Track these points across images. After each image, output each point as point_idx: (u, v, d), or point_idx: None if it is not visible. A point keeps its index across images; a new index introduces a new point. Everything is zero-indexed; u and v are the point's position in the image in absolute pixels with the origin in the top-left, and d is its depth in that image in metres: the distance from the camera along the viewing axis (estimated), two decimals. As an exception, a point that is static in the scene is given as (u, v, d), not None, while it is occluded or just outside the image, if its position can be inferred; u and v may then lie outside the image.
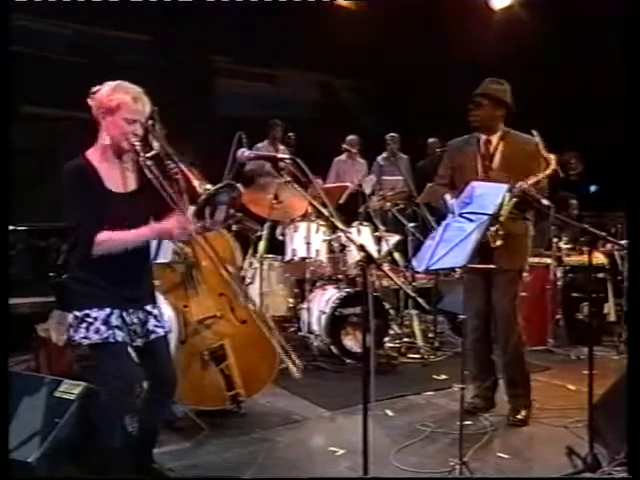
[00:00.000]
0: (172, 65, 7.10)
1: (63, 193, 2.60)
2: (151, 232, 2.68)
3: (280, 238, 5.33)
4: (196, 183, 2.52)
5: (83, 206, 2.58)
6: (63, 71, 6.37)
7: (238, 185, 2.67)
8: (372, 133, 7.59)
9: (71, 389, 2.91)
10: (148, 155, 2.59)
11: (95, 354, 2.69)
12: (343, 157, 7.26)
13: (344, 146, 6.74)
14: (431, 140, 7.71)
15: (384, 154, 7.56)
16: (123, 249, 2.59)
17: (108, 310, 2.63)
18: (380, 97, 8.77)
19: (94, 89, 2.66)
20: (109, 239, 2.57)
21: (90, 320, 2.61)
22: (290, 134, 6.03)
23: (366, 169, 7.28)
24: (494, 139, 3.74)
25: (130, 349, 2.75)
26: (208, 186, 2.53)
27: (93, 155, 2.67)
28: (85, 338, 2.63)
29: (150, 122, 2.67)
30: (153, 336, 2.78)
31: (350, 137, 7.07)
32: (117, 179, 2.68)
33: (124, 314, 2.69)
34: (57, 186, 2.64)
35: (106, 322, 2.62)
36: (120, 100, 2.59)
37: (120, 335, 2.65)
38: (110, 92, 2.61)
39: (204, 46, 7.55)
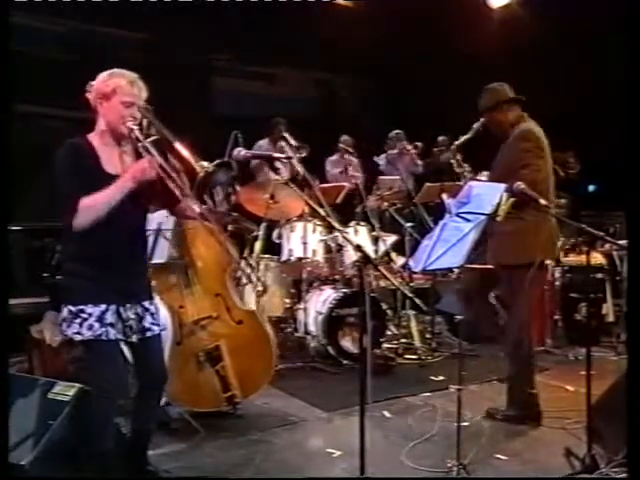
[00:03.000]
0: (170, 64, 7.07)
1: (57, 169, 2.56)
2: (127, 179, 2.56)
3: (277, 241, 5.30)
4: (192, 161, 2.51)
5: (77, 182, 2.54)
6: (58, 69, 6.35)
7: (234, 164, 2.64)
8: (371, 132, 7.57)
9: (65, 391, 2.89)
10: (148, 140, 2.58)
11: (86, 351, 2.67)
12: (335, 157, 7.20)
13: (341, 145, 6.70)
14: (441, 138, 7.52)
15: (390, 152, 7.46)
16: (108, 210, 2.52)
17: (103, 307, 2.61)
18: (379, 96, 8.76)
19: (92, 83, 2.67)
20: (90, 201, 2.51)
21: (84, 316, 2.59)
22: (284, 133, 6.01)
23: (359, 167, 7.22)
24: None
25: (124, 345, 2.73)
26: (205, 163, 2.51)
27: (93, 138, 2.67)
28: (77, 334, 2.60)
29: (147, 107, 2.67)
30: (148, 333, 2.76)
31: (344, 137, 7.02)
32: (115, 162, 2.67)
33: (121, 309, 2.67)
34: (52, 186, 2.61)
35: (100, 319, 2.60)
36: (116, 84, 2.61)
37: (113, 333, 2.62)
38: (106, 78, 2.64)
39: (203, 45, 7.53)
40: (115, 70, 2.66)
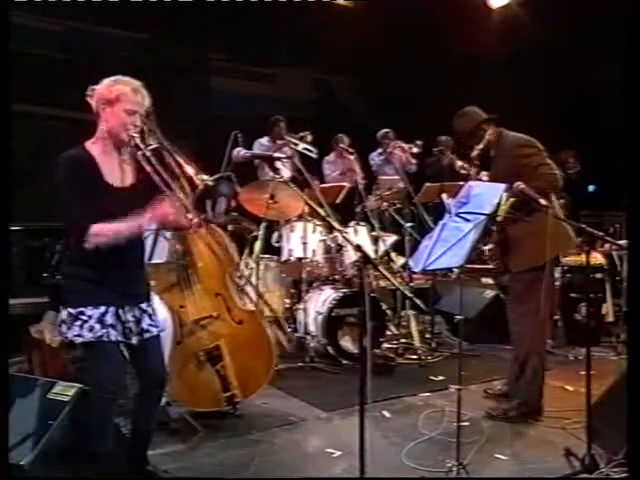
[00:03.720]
0: (168, 64, 7.08)
1: (58, 183, 2.56)
2: (145, 219, 2.57)
3: (275, 244, 5.29)
4: (193, 174, 2.50)
5: (79, 196, 2.54)
6: (58, 69, 6.35)
7: (233, 177, 2.66)
8: (371, 132, 7.57)
9: (65, 391, 2.89)
10: (149, 148, 2.58)
11: (87, 352, 2.67)
12: (332, 157, 7.20)
13: (342, 146, 6.70)
14: (443, 138, 7.48)
15: (379, 151, 7.48)
16: (118, 240, 2.54)
17: (103, 308, 2.62)
18: (378, 96, 8.76)
19: (93, 87, 2.67)
20: (103, 231, 2.53)
21: (84, 318, 2.60)
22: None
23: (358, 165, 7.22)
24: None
25: (123, 347, 2.73)
26: (205, 177, 2.51)
27: (92, 147, 2.66)
28: (78, 336, 2.60)
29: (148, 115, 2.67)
30: (147, 335, 2.76)
31: (342, 136, 7.02)
32: (115, 172, 2.67)
33: (120, 311, 2.67)
34: (50, 185, 2.61)
35: (101, 320, 2.61)
36: (120, 91, 2.60)
37: (114, 334, 2.63)
38: (110, 84, 2.64)
39: (201, 44, 7.54)
40: (119, 77, 2.65)
